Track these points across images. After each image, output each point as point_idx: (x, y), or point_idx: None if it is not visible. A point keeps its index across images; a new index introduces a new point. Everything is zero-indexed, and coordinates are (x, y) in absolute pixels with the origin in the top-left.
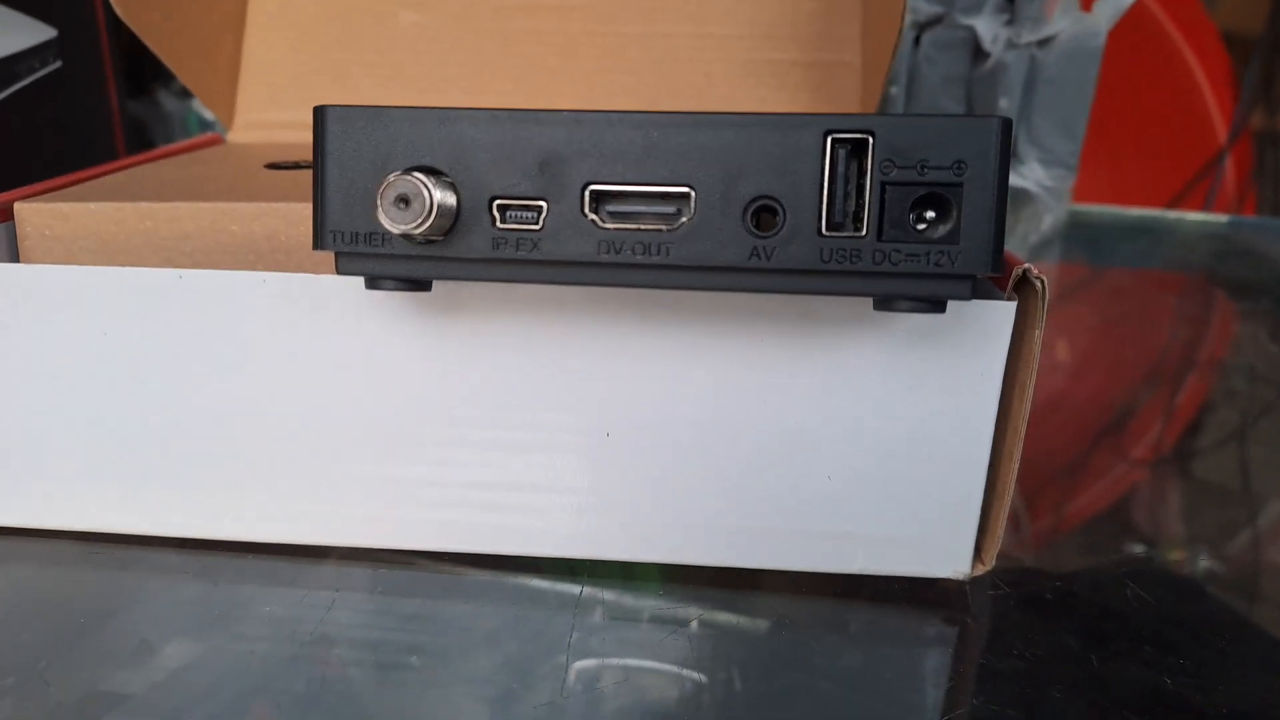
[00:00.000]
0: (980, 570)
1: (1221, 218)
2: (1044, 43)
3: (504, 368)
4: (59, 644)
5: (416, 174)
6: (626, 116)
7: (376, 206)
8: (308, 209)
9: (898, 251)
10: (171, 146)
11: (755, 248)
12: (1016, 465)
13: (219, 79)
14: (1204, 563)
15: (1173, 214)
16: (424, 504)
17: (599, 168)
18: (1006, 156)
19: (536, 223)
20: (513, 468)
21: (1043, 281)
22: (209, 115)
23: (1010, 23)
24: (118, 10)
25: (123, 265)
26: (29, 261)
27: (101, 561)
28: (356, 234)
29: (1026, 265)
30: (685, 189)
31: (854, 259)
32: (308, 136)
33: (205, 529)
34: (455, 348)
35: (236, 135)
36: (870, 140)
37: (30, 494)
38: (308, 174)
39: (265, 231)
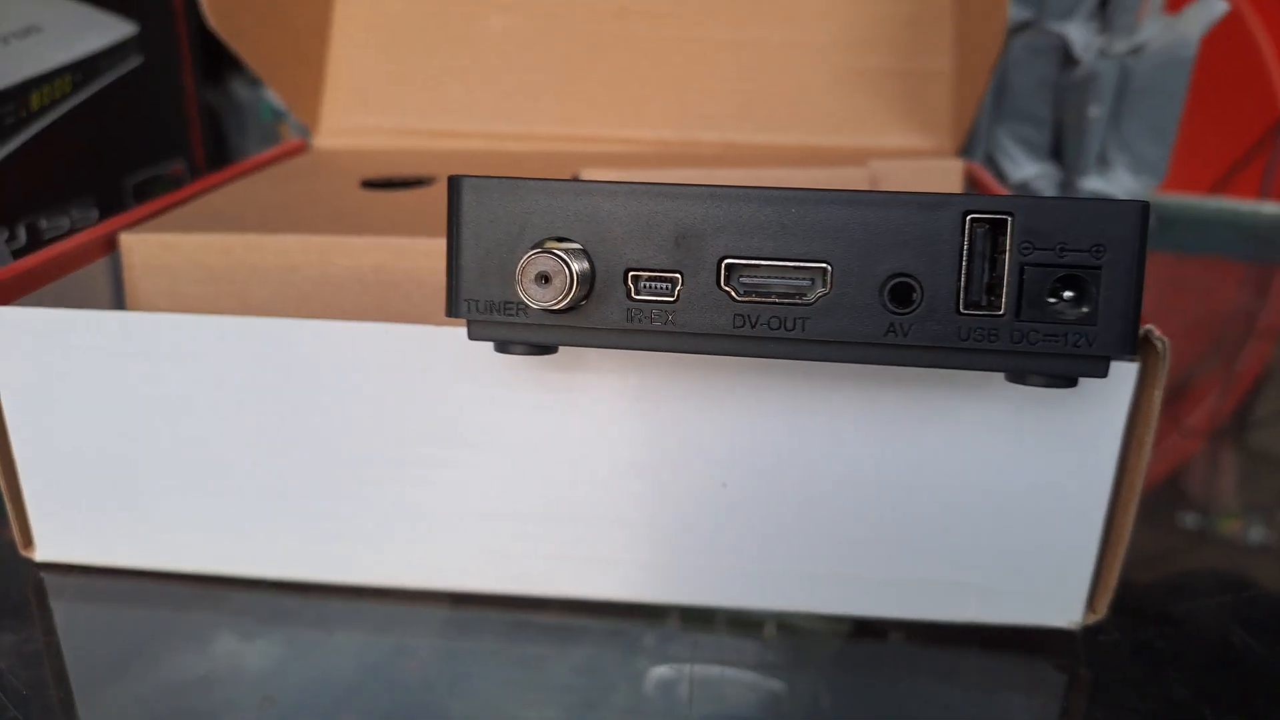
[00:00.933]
0: (1092, 619)
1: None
2: (1134, 50)
3: (625, 419)
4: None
5: (557, 250)
6: (763, 193)
7: (516, 282)
8: (414, 243)
9: (1035, 331)
10: (261, 157)
11: (892, 324)
12: (1132, 518)
13: (305, 84)
14: None
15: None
16: (543, 555)
17: (735, 242)
18: (1145, 240)
19: (671, 294)
20: (634, 517)
21: (1164, 342)
22: (279, 104)
23: (1102, 31)
24: (211, 21)
25: (229, 295)
26: (134, 290)
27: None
28: (491, 303)
29: (1149, 326)
30: (822, 264)
31: (991, 338)
32: (394, 142)
33: (318, 572)
34: (577, 399)
35: (322, 140)
36: (1009, 221)
37: (148, 534)
38: (406, 195)
39: (372, 264)
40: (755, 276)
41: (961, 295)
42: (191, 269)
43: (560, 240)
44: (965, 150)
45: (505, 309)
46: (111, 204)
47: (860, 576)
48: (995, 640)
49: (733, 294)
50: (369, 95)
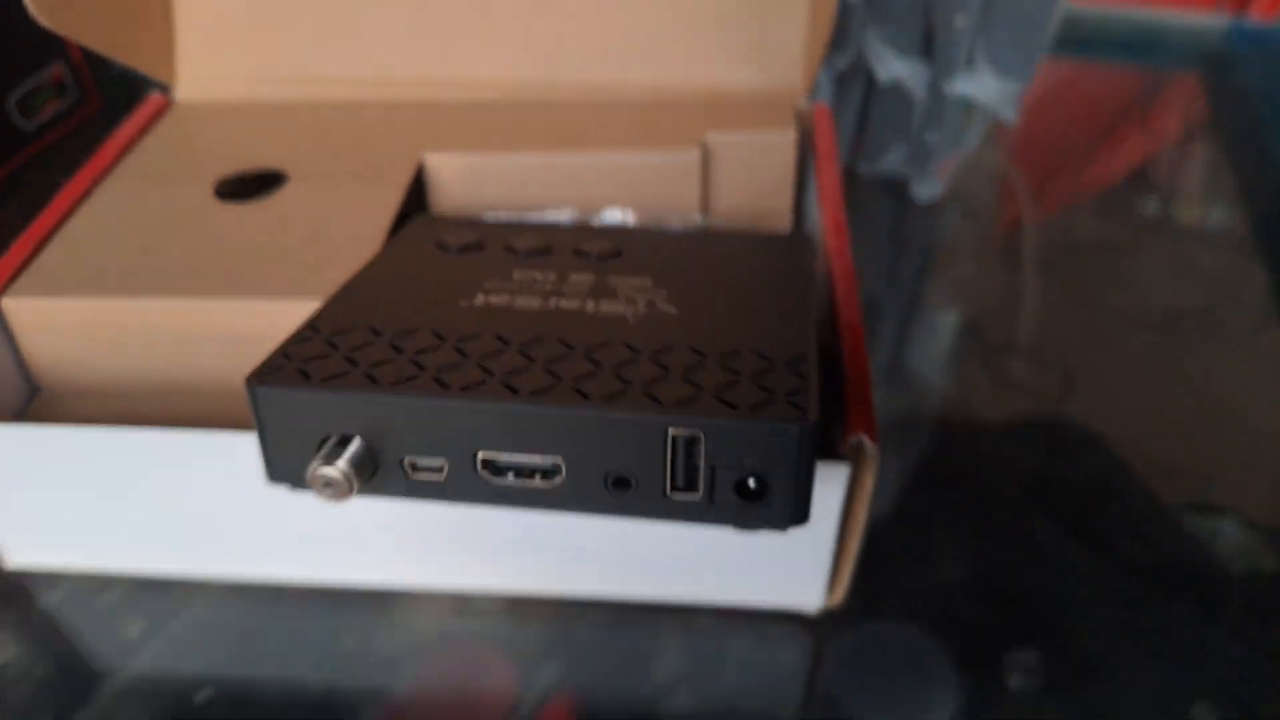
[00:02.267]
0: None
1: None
2: None
3: None
4: None
5: (340, 465)
6: (513, 407)
7: (309, 482)
8: (266, 305)
9: (726, 509)
10: (122, 133)
11: (615, 500)
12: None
13: (154, 41)
14: None
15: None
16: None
17: (490, 440)
18: (811, 454)
19: (441, 475)
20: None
21: (874, 450)
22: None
23: None
24: (41, 19)
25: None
26: (28, 350)
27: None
28: (299, 479)
29: (860, 438)
30: (557, 459)
31: (693, 511)
32: (253, 91)
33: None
34: None
35: (183, 92)
36: (701, 439)
37: None
38: (259, 212)
39: (244, 328)
40: (506, 465)
41: (667, 484)
42: (78, 328)
43: (344, 442)
44: (837, 45)
45: (306, 483)
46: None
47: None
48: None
49: (489, 478)
50: (220, 40)
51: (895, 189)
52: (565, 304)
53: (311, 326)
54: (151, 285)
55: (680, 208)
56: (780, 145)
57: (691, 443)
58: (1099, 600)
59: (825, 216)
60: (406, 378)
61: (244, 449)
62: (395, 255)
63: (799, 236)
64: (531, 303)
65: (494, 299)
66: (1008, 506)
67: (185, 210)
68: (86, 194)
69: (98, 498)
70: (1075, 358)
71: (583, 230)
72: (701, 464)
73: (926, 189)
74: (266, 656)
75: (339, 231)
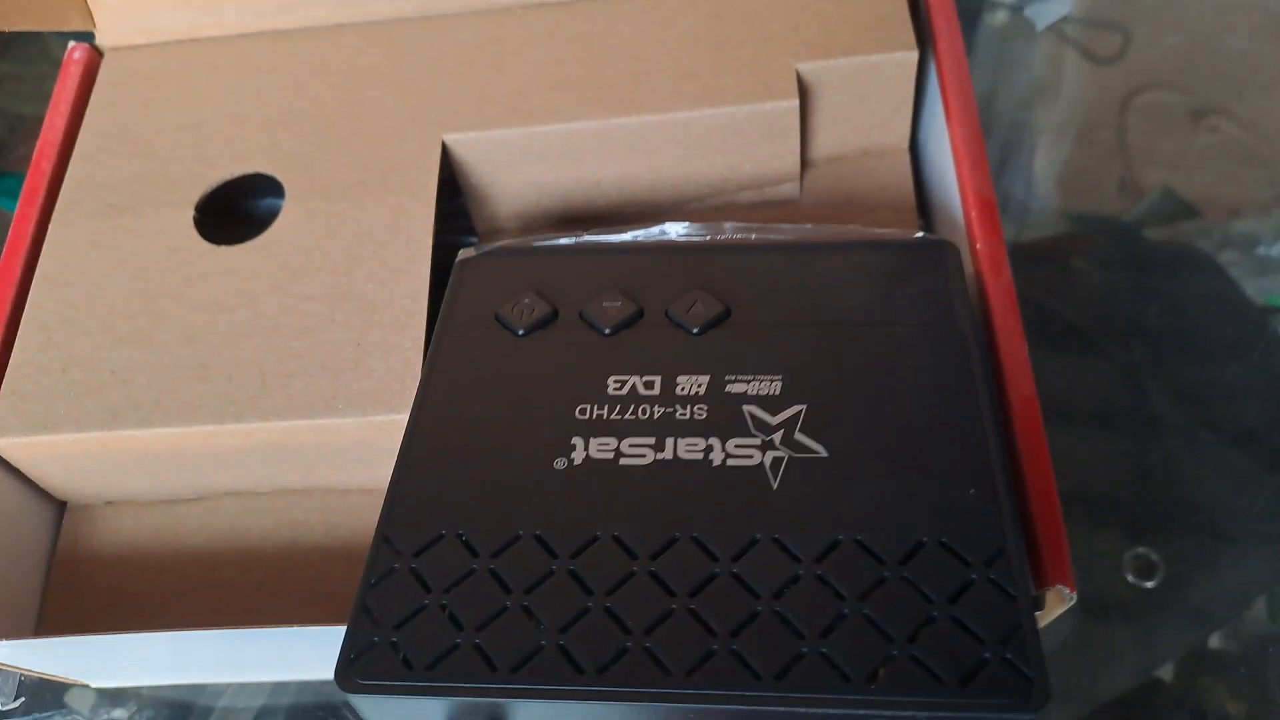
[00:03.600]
0: None
1: None
2: None
3: None
4: None
5: None
6: (662, 706)
7: None
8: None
9: None
10: (57, 110)
11: None
12: None
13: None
14: None
15: None
16: None
17: None
18: None
19: None
20: None
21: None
22: None
23: None
24: None
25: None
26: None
27: None
28: None
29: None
30: None
31: None
32: (176, 26)
33: None
34: None
35: (105, 38)
36: None
37: None
38: (265, 254)
39: (280, 443)
40: None
41: None
42: (84, 459)
43: None
44: None
45: None
46: None
47: None
48: None
49: None
50: None
51: None
52: (685, 449)
53: (387, 541)
54: (160, 415)
55: (774, 166)
56: (897, 68)
57: None
58: None
59: (968, 206)
60: (530, 654)
61: None
62: (453, 360)
63: (938, 253)
64: (642, 451)
65: (595, 444)
66: None
67: (170, 268)
68: (41, 233)
69: None
70: None
71: (671, 270)
72: None
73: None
74: None
75: (363, 288)
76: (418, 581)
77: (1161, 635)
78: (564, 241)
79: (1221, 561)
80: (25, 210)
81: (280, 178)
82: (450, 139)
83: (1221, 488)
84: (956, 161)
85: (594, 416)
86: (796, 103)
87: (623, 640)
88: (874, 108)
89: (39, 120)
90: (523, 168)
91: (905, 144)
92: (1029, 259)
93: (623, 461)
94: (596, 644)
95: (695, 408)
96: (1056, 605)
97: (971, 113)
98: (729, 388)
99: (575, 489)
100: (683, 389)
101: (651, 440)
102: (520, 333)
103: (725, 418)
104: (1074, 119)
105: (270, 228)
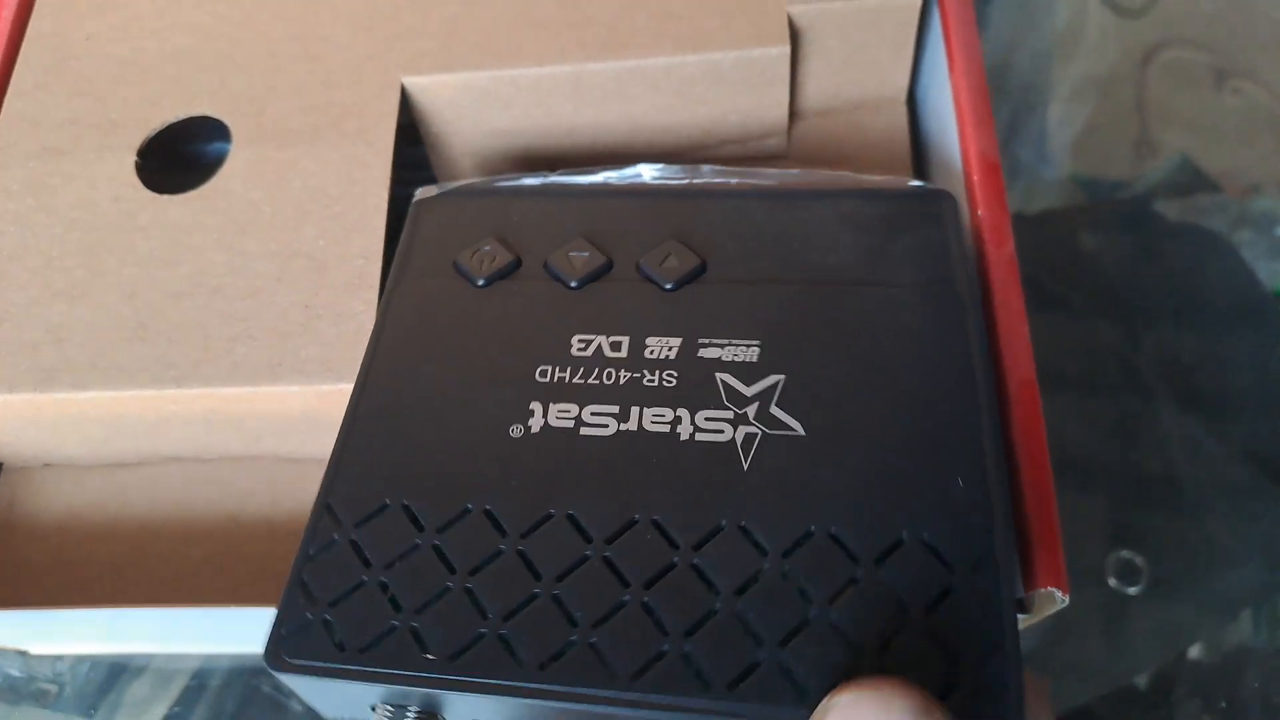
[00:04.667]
0: None
1: None
2: None
3: None
4: None
5: None
6: (605, 708)
7: None
8: (256, 391)
9: None
10: None
11: None
12: None
13: None
14: None
15: None
16: None
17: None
18: None
19: None
20: None
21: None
22: None
23: None
24: None
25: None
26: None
27: None
28: None
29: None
30: None
31: None
32: None
33: None
34: None
35: None
36: None
37: None
38: (206, 205)
39: (220, 410)
40: None
41: None
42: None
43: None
44: None
45: None
46: None
47: None
48: None
49: None
50: None
51: None
52: (651, 421)
53: (328, 509)
54: (96, 377)
55: (760, 118)
56: (897, 13)
57: None
58: None
59: (968, 158)
60: (469, 643)
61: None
62: (407, 311)
63: (935, 204)
64: (605, 420)
65: (555, 411)
66: None
67: (110, 219)
68: None
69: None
70: None
71: (644, 217)
72: None
73: None
74: None
75: (314, 245)
76: (358, 556)
77: (1140, 643)
78: (530, 182)
79: (1211, 573)
80: None
81: (227, 121)
82: (410, 82)
83: (1222, 505)
84: (959, 117)
85: (555, 380)
86: (788, 49)
87: (568, 634)
88: (871, 55)
89: None
90: (488, 115)
91: (903, 96)
92: (1034, 230)
93: (584, 431)
94: (540, 636)
95: (665, 374)
96: (1046, 608)
97: (977, 64)
98: (702, 352)
99: (531, 460)
100: (652, 352)
101: (615, 409)
102: (480, 283)
103: (696, 386)
104: (1093, 74)
105: (216, 175)
